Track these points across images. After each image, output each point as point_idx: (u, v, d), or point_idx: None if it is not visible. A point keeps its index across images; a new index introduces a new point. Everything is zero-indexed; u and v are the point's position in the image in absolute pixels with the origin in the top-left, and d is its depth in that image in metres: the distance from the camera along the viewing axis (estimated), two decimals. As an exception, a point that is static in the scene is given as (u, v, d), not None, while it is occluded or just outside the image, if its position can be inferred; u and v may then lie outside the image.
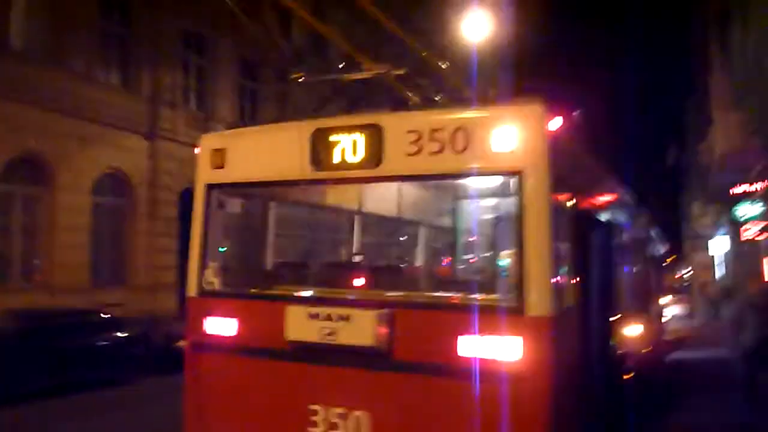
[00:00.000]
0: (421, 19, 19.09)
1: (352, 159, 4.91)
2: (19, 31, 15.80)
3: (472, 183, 5.94)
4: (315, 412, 4.79)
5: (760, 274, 21.29)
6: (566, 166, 4.97)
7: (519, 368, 4.19)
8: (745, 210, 22.31)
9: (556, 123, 4.46)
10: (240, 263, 6.47)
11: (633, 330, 9.02)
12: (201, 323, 5.40)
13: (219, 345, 5.30)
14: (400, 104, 5.48)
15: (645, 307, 11.69)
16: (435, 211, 8.19)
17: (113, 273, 18.44)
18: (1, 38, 15.31)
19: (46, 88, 15.85)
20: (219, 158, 5.49)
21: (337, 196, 6.10)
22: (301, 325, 4.83)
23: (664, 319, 21.86)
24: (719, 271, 38.72)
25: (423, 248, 8.56)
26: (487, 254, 7.57)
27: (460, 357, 4.37)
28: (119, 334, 13.64)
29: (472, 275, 7.79)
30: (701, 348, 19.12)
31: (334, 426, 4.72)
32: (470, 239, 8.81)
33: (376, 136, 4.85)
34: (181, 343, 13.39)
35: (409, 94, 5.90)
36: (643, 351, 11.17)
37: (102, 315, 14.09)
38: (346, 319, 4.67)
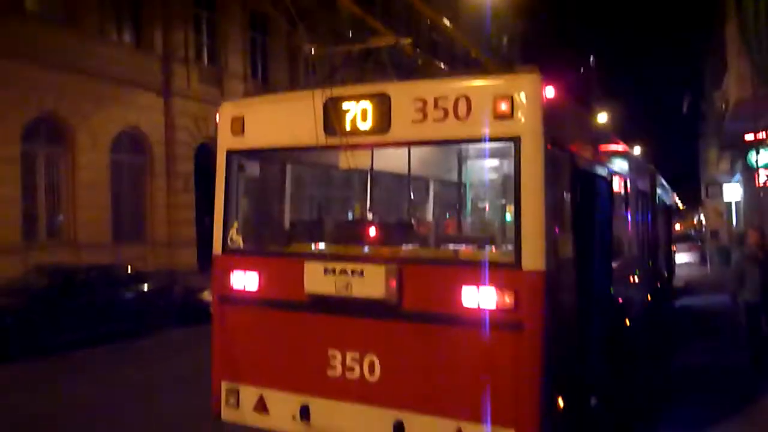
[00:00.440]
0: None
1: (362, 126, 5.25)
2: (33, -7, 16.06)
3: (476, 145, 6.29)
4: (333, 357, 5.28)
5: (762, 225, 21.42)
6: (562, 129, 5.28)
7: (515, 318, 4.60)
8: (759, 157, 22.29)
9: (551, 90, 4.77)
10: (261, 222, 6.87)
11: (634, 278, 9.40)
12: (226, 279, 5.85)
13: (243, 298, 5.76)
14: (407, 73, 5.76)
15: (650, 256, 12.06)
16: (443, 169, 8.54)
17: (133, 229, 19.03)
18: (16, 1, 15.54)
19: (61, 49, 16.16)
20: (238, 125, 5.86)
21: (351, 157, 6.43)
22: (318, 279, 5.27)
23: (673, 266, 22.26)
24: (734, 219, 38.82)
25: (432, 205, 8.97)
26: (490, 212, 7.96)
27: (461, 307, 4.79)
28: (142, 287, 14.25)
29: (476, 232, 8.20)
30: (710, 294, 19.47)
31: (349, 369, 5.21)
32: (475, 197, 9.20)
33: (384, 104, 5.17)
34: (203, 296, 14.01)
35: (419, 62, 6.16)
36: (647, 298, 11.60)
37: (126, 270, 14.70)
38: (359, 273, 5.09)
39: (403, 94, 5.14)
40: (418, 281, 5.05)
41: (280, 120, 5.76)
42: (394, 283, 5.02)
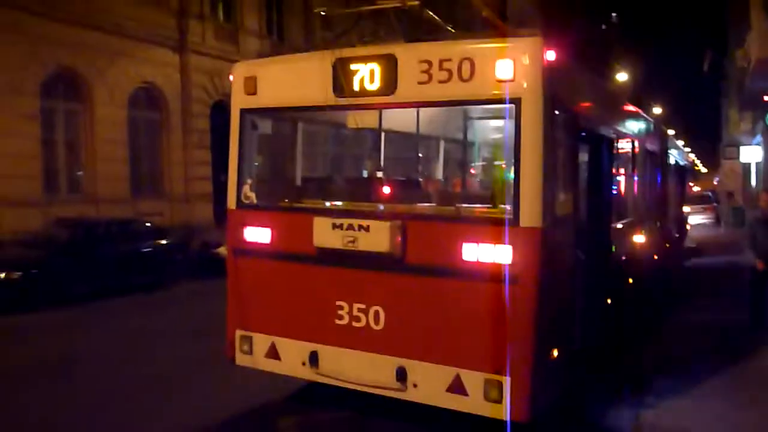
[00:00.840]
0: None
1: (370, 87, 5.42)
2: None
3: (480, 106, 6.45)
4: (340, 307, 5.58)
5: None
6: (564, 91, 5.43)
7: (511, 272, 4.84)
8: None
9: (552, 54, 4.91)
10: (273, 179, 7.13)
11: (638, 238, 9.58)
12: (240, 232, 6.14)
13: (256, 251, 6.06)
14: (420, 33, 5.90)
15: (658, 216, 12.20)
16: (451, 129, 8.71)
17: (151, 184, 19.38)
18: (31, -45, 15.63)
19: (76, 4, 16.26)
20: (251, 85, 6.06)
21: (361, 115, 6.60)
22: (326, 233, 5.54)
23: (686, 227, 22.31)
24: (753, 179, 38.49)
25: (441, 163, 9.18)
26: (494, 170, 8.15)
27: (462, 261, 5.04)
28: (161, 241, 14.64)
29: (480, 190, 8.41)
30: (722, 255, 19.56)
31: (356, 318, 5.52)
32: (481, 156, 9.39)
33: (391, 65, 5.34)
34: (219, 250, 14.39)
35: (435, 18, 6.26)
36: (653, 258, 11.79)
37: (144, 224, 15.09)
38: (365, 228, 5.35)
39: (410, 55, 5.31)
40: (421, 236, 5.30)
41: (291, 80, 5.96)
42: (398, 238, 5.29)
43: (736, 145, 33.41)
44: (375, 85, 5.43)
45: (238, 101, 6.21)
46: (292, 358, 5.90)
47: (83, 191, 17.21)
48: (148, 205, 18.42)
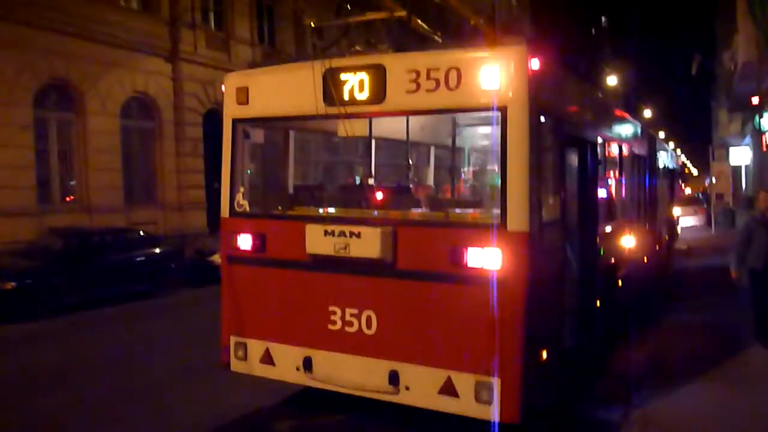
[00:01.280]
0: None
1: (359, 96, 5.54)
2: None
3: (467, 114, 6.58)
4: (333, 312, 5.69)
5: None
6: (549, 99, 5.56)
7: (500, 275, 4.96)
8: (765, 120, 22.19)
9: (536, 62, 5.04)
10: (266, 187, 7.23)
11: (627, 240, 9.71)
12: (234, 240, 6.23)
13: (250, 258, 6.15)
14: (405, 42, 6.02)
15: (647, 219, 12.35)
16: (441, 136, 8.84)
17: (144, 193, 19.41)
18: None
19: (70, 15, 16.33)
20: (243, 95, 6.17)
21: (351, 123, 6.70)
22: (318, 240, 5.64)
23: (676, 229, 22.49)
24: (743, 182, 38.70)
25: (429, 169, 9.30)
26: (483, 176, 8.29)
27: (452, 266, 5.15)
28: (154, 250, 14.69)
29: (469, 196, 8.54)
30: (712, 257, 19.69)
31: (348, 323, 5.62)
32: (470, 163, 9.53)
33: (380, 75, 5.46)
34: (213, 258, 14.44)
35: (424, 27, 6.38)
36: (643, 260, 11.93)
37: (138, 233, 15.15)
38: (356, 235, 5.46)
39: (398, 65, 5.43)
40: (412, 242, 5.42)
41: (282, 90, 6.07)
42: (389, 244, 5.40)
43: (726, 147, 33.68)
44: (364, 95, 5.54)
45: (230, 111, 6.31)
46: (286, 364, 5.99)
47: (77, 201, 17.24)
48: (142, 213, 18.46)
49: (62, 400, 7.32)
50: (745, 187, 39.53)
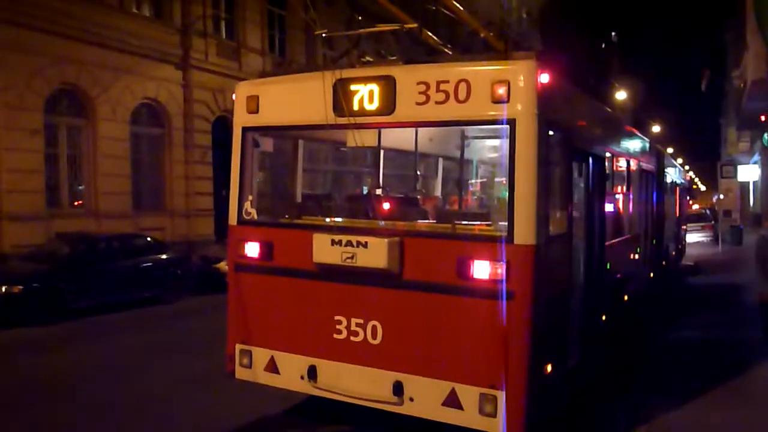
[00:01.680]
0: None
1: (369, 107, 5.58)
2: (55, -34, 16.34)
3: (476, 126, 6.60)
4: (339, 322, 5.69)
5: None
6: (557, 112, 5.58)
7: (506, 288, 4.95)
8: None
9: (546, 76, 5.06)
10: (274, 195, 7.26)
11: (633, 255, 9.70)
12: (241, 248, 6.26)
13: (257, 266, 6.17)
14: (415, 53, 6.06)
15: (654, 234, 12.33)
16: (449, 147, 8.87)
17: (152, 199, 19.47)
18: (39, -26, 15.86)
19: (82, 22, 16.48)
20: (253, 104, 6.22)
21: (360, 134, 6.73)
22: (325, 249, 5.65)
23: (683, 245, 22.41)
24: (751, 199, 38.54)
25: (437, 180, 9.32)
26: (490, 189, 8.31)
27: (458, 277, 5.16)
28: (162, 256, 14.76)
29: (476, 207, 8.55)
30: (719, 273, 19.62)
31: (354, 333, 5.62)
32: (478, 174, 9.54)
33: (389, 86, 5.50)
34: (219, 265, 14.49)
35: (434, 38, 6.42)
36: (649, 276, 11.90)
37: (146, 239, 15.21)
38: (363, 245, 5.47)
39: (408, 77, 5.46)
40: (418, 253, 5.43)
41: (292, 99, 6.11)
42: (395, 255, 5.41)
43: (734, 164, 33.60)
44: (374, 106, 5.58)
45: (241, 119, 6.36)
46: (290, 372, 6.00)
47: (85, 206, 17.32)
48: (149, 220, 18.53)
49: (66, 406, 7.34)
50: (753, 204, 39.36)
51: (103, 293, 13.01)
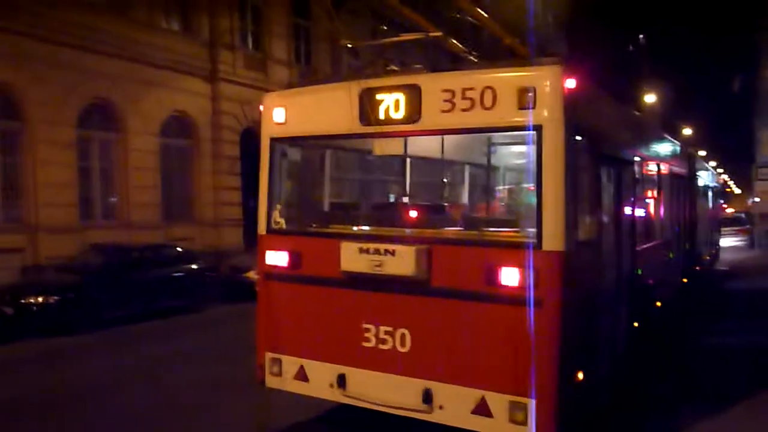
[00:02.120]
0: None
1: (394, 115, 5.60)
2: (86, -17, 16.73)
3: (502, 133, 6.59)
4: (367, 330, 5.71)
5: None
6: (584, 117, 5.54)
7: (535, 295, 4.92)
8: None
9: (572, 81, 5.03)
10: (302, 204, 7.32)
11: (665, 260, 9.56)
12: (271, 257, 6.32)
13: (286, 275, 6.22)
14: (440, 61, 6.08)
15: (686, 239, 12.14)
16: (476, 154, 8.86)
17: (182, 210, 19.73)
18: (71, -9, 16.25)
19: (113, 37, 16.82)
20: (280, 115, 6.28)
21: (387, 142, 6.76)
22: (353, 258, 5.68)
23: (717, 249, 22.02)
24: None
25: (466, 188, 9.30)
26: (518, 195, 8.25)
27: (486, 284, 5.13)
28: (192, 266, 14.94)
29: (504, 214, 8.50)
30: (756, 277, 19.23)
31: (382, 341, 5.63)
32: (505, 181, 9.50)
33: (415, 94, 5.52)
34: (248, 274, 14.61)
35: (459, 46, 6.42)
36: (681, 281, 11.71)
37: (176, 249, 15.41)
38: (391, 253, 5.48)
39: (433, 85, 5.47)
40: (446, 260, 5.42)
41: (318, 110, 6.16)
42: (423, 262, 5.41)
43: (768, 166, 32.90)
44: (400, 114, 5.60)
45: (268, 130, 6.43)
46: (320, 380, 6.02)
47: (117, 217, 17.62)
48: (179, 230, 18.77)
49: (99, 414, 7.45)
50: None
51: (135, 302, 13.21)
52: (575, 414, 5.37)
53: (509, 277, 5.05)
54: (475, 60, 6.54)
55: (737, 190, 77.60)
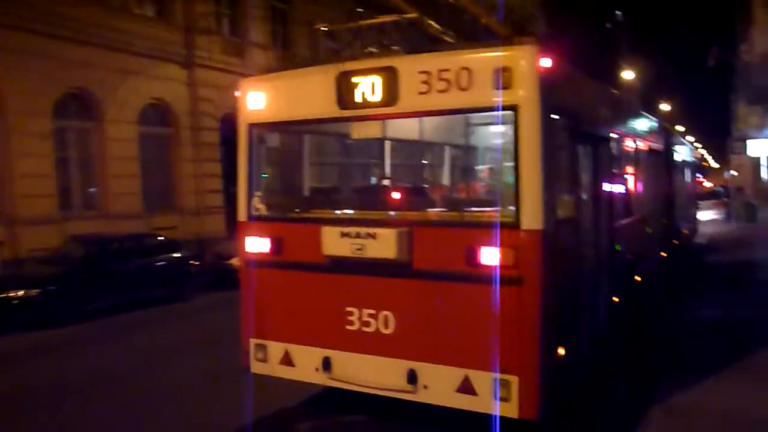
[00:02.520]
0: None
1: (372, 98, 5.59)
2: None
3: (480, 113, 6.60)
4: (350, 313, 5.75)
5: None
6: (560, 96, 5.57)
7: (515, 273, 4.97)
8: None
9: (547, 61, 5.05)
10: (282, 190, 7.31)
11: (644, 235, 9.68)
12: (252, 243, 6.32)
13: (268, 261, 6.23)
14: (418, 42, 6.05)
15: (665, 213, 12.28)
16: (453, 135, 8.87)
17: (163, 199, 19.59)
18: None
19: (87, 24, 16.55)
20: (257, 100, 6.25)
21: (365, 125, 6.75)
22: (334, 242, 5.70)
23: (695, 223, 22.30)
24: (763, 174, 38.16)
25: (443, 168, 9.32)
26: (497, 175, 8.30)
27: (467, 265, 5.18)
28: (174, 255, 14.86)
29: (482, 194, 8.55)
30: (732, 251, 19.49)
31: (366, 324, 5.68)
32: (484, 161, 9.54)
33: (392, 77, 5.51)
34: (232, 261, 14.61)
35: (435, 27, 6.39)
36: (661, 255, 11.87)
37: (158, 238, 15.32)
38: (372, 236, 5.51)
39: (409, 67, 5.47)
40: (427, 242, 5.46)
41: (296, 94, 6.14)
42: (404, 245, 5.44)
43: (744, 140, 33.29)
44: (377, 97, 5.60)
45: (246, 116, 6.40)
46: (305, 364, 6.06)
47: (97, 207, 17.46)
48: (161, 219, 18.66)
49: (86, 406, 7.45)
50: (766, 179, 38.98)
51: (118, 293, 13.13)
52: (558, 389, 5.46)
53: (489, 256, 5.10)
54: (453, 41, 6.53)
55: (715, 165, 78.50)
